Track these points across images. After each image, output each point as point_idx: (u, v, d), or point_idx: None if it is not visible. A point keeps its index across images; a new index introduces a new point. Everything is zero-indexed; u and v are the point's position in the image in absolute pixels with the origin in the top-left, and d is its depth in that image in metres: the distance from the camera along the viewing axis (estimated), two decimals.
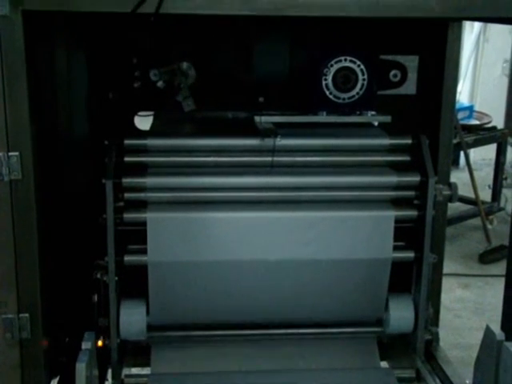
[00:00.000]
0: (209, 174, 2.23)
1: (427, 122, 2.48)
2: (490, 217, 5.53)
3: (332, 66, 2.22)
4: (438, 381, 2.30)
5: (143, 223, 2.16)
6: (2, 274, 1.95)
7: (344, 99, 2.25)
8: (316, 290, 2.31)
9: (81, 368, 1.86)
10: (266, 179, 2.24)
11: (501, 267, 4.56)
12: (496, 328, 1.97)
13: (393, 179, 2.27)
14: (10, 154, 1.87)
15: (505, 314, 2.24)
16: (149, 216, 2.17)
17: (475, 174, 5.43)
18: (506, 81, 6.97)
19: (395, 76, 2.47)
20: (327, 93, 2.24)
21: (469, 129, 5.52)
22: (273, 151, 2.22)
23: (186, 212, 2.20)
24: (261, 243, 2.22)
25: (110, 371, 2.27)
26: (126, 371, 2.39)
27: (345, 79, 2.24)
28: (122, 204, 2.17)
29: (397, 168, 2.31)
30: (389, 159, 2.33)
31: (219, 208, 2.21)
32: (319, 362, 2.39)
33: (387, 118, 2.29)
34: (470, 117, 5.84)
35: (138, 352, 2.41)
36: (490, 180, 5.81)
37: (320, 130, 2.32)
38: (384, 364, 2.51)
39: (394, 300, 2.35)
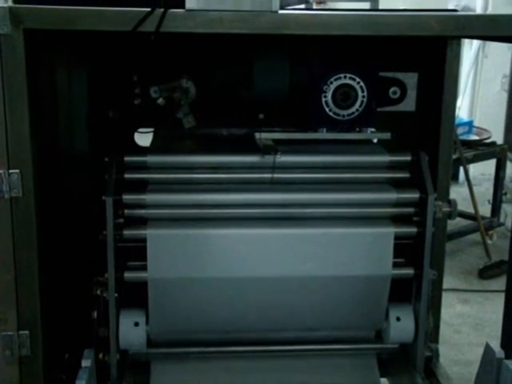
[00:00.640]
0: (209, 191, 2.23)
1: (427, 139, 2.49)
2: (490, 232, 5.52)
3: (332, 82, 2.23)
4: None
5: (143, 240, 2.16)
6: (1, 291, 1.95)
7: (344, 116, 2.26)
8: (315, 307, 2.30)
9: None
10: (265, 196, 2.24)
11: (501, 282, 4.56)
12: (496, 345, 1.96)
13: (392, 196, 2.27)
14: (11, 171, 1.88)
15: (504, 331, 2.22)
16: (149, 233, 2.17)
17: (475, 189, 5.43)
18: (505, 96, 6.96)
19: (395, 93, 2.48)
20: (327, 110, 2.25)
21: (468, 144, 5.52)
22: (273, 168, 2.23)
23: (185, 229, 2.19)
24: (260, 260, 2.22)
25: None
26: None
27: (344, 96, 2.24)
28: (122, 221, 2.17)
29: (396, 185, 2.31)
30: (388, 176, 2.33)
31: (219, 225, 2.21)
32: (319, 379, 2.38)
33: (387, 135, 2.29)
34: (469, 132, 5.84)
35: (137, 369, 2.39)
36: (489, 195, 5.80)
37: (320, 146, 2.32)
38: (384, 381, 2.50)
39: (394, 310, 2.34)
